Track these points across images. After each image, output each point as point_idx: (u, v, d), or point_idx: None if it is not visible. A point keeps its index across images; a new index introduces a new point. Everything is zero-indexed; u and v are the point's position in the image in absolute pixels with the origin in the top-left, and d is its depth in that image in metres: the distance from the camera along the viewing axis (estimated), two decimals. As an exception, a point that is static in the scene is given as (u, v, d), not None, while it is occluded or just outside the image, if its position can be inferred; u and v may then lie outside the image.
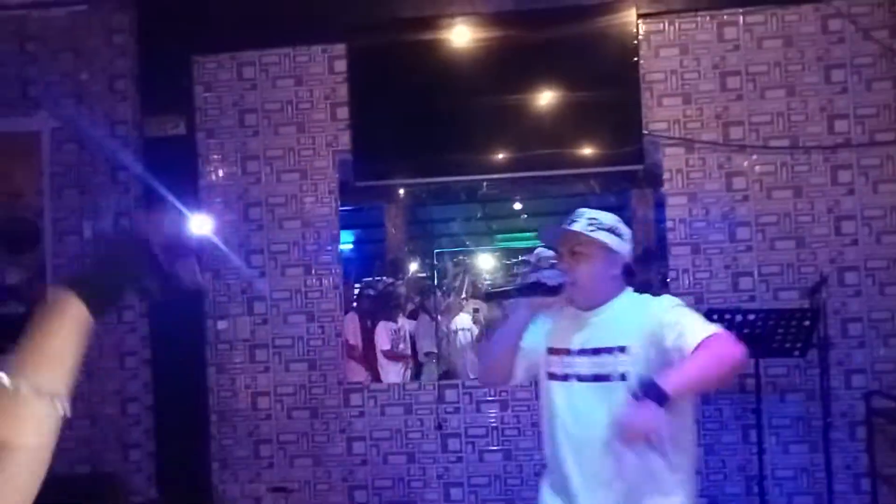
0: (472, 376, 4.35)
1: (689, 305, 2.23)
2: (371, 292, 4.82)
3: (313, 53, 4.43)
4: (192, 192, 4.39)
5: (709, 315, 3.60)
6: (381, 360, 4.72)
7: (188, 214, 3.93)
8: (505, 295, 2.24)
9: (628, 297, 2.24)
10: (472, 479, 4.21)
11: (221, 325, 4.39)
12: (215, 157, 4.48)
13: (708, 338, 1.97)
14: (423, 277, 4.85)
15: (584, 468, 2.13)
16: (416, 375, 4.65)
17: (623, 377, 2.08)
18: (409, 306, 4.87)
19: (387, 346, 4.73)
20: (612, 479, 2.09)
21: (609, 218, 2.23)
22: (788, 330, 3.65)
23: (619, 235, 2.21)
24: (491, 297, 2.20)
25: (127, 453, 4.39)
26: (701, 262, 4.14)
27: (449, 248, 4.74)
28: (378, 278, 4.78)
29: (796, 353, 3.68)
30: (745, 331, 3.60)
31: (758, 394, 3.70)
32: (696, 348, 1.95)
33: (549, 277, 2.18)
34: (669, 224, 4.18)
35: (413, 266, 4.82)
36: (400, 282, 4.64)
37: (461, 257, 4.77)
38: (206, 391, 4.35)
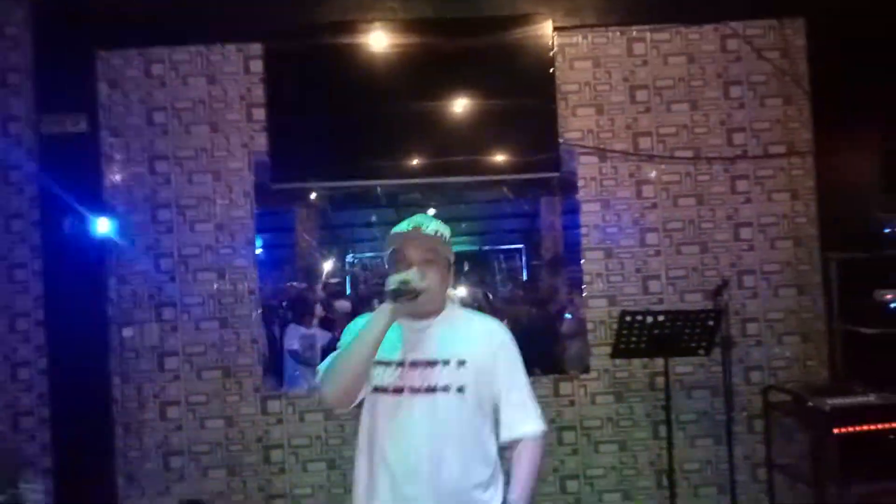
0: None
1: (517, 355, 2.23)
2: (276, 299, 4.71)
3: (228, 52, 4.33)
4: (94, 193, 4.18)
5: (622, 317, 3.79)
6: (288, 362, 4.60)
7: (89, 215, 3.69)
8: (397, 294, 1.99)
9: (453, 309, 2.23)
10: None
11: (127, 332, 4.18)
12: (120, 156, 4.28)
13: (533, 440, 2.15)
14: (335, 283, 4.78)
15: (403, 478, 2.06)
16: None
17: (460, 390, 2.07)
18: (320, 313, 4.79)
19: (295, 346, 4.61)
20: (432, 479, 2.06)
21: (445, 228, 2.22)
22: (694, 330, 3.85)
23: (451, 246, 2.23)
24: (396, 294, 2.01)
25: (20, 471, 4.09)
26: (613, 266, 4.31)
27: (363, 254, 4.70)
28: (290, 283, 4.68)
29: (701, 351, 3.89)
30: (655, 331, 3.79)
31: (667, 391, 3.88)
32: (522, 447, 2.13)
33: (414, 280, 2.03)
34: (584, 230, 4.33)
35: (326, 271, 4.74)
36: (312, 287, 4.56)
37: (376, 262, 4.74)
38: (110, 402, 4.13)
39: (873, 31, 4.12)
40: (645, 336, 3.81)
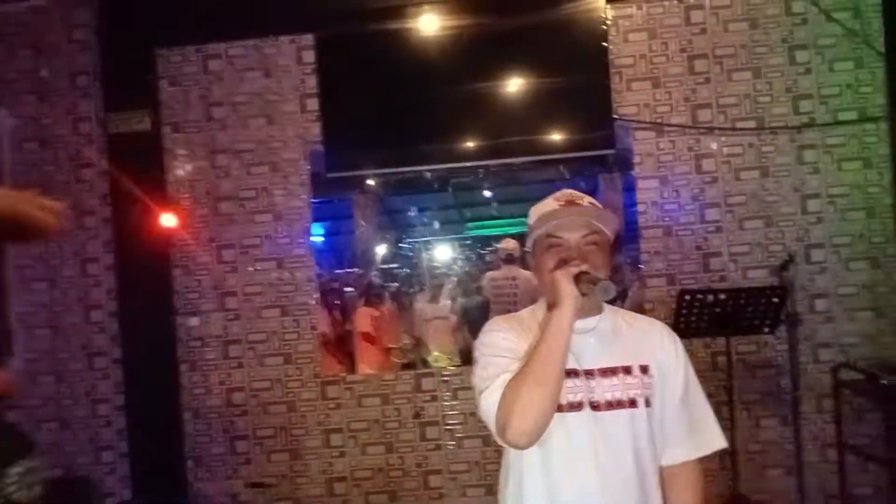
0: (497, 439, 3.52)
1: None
2: (337, 284, 4.80)
3: (281, 44, 4.39)
4: (159, 187, 4.33)
5: (681, 296, 3.68)
6: (360, 344, 4.68)
7: (155, 210, 3.81)
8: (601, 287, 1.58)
9: (609, 307, 1.82)
10: (452, 465, 4.22)
11: (192, 321, 4.34)
12: (182, 151, 4.42)
13: (697, 462, 1.79)
14: (395, 267, 4.83)
15: None
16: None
17: (648, 403, 1.71)
18: (385, 295, 4.86)
19: (367, 329, 4.68)
20: None
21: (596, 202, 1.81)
22: (758, 308, 3.70)
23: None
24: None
25: (99, 455, 4.32)
26: (672, 244, 4.18)
27: (421, 238, 4.73)
28: (350, 270, 4.76)
29: (766, 329, 3.74)
30: (717, 310, 3.66)
31: (729, 370, 3.75)
32: (687, 470, 1.77)
33: (592, 269, 1.64)
34: (641, 207, 4.21)
35: (384, 256, 4.80)
36: (375, 272, 4.62)
37: (434, 246, 4.76)
38: (179, 389, 4.29)
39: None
40: (706, 315, 3.69)
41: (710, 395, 3.99)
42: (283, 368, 4.29)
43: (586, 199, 1.77)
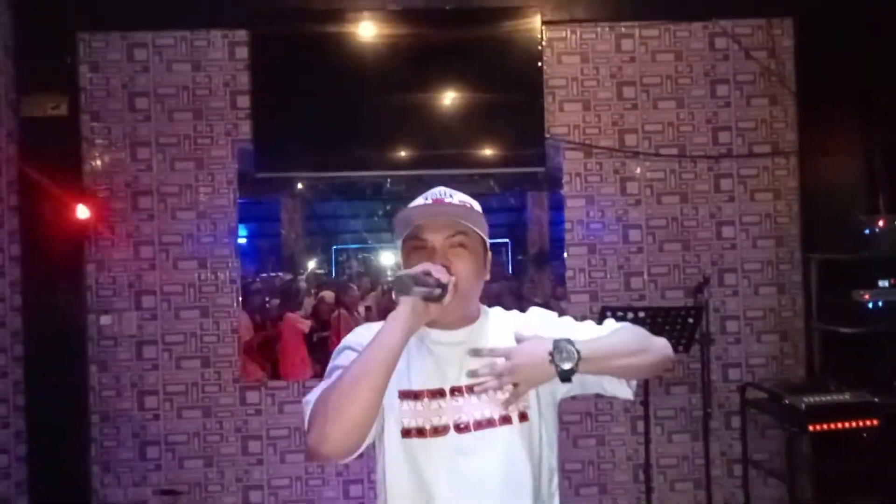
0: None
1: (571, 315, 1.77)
2: (259, 288, 4.66)
3: (212, 38, 4.27)
4: (74, 177, 4.12)
5: (603, 312, 3.80)
6: (285, 350, 4.53)
7: (68, 201, 3.63)
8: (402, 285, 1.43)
9: (490, 315, 1.68)
10: (373, 475, 4.18)
11: (105, 320, 4.14)
12: (101, 141, 4.22)
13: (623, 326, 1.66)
14: (321, 274, 4.75)
15: None
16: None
17: (523, 417, 1.56)
18: (309, 302, 4.76)
19: (307, 331, 4.53)
20: None
21: (474, 201, 1.66)
22: (674, 327, 3.86)
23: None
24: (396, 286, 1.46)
25: (-6, 459, 4.05)
26: (596, 262, 4.32)
27: (348, 245, 4.67)
28: (274, 274, 4.64)
29: (681, 348, 3.90)
30: (637, 328, 3.80)
31: (646, 387, 3.91)
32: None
33: (437, 270, 1.48)
34: (567, 225, 4.33)
35: (311, 262, 4.71)
36: (300, 277, 4.53)
37: (362, 254, 4.72)
38: (87, 390, 4.08)
39: (859, 33, 4.16)
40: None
41: (626, 410, 4.21)
42: (200, 372, 4.15)
43: (457, 197, 1.62)
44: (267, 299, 4.35)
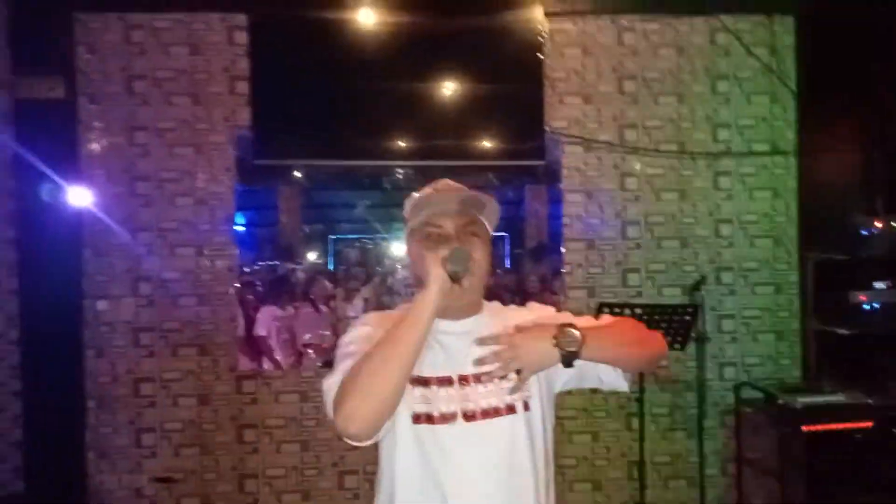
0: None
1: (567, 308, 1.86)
2: (252, 278, 4.64)
3: (211, 21, 4.21)
4: (70, 161, 4.07)
5: (600, 308, 3.81)
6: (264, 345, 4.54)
7: (65, 185, 3.58)
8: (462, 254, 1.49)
9: (491, 306, 1.73)
10: (369, 466, 4.20)
11: (102, 305, 4.12)
12: (98, 125, 4.18)
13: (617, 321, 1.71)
14: (316, 264, 4.74)
15: None
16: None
17: (527, 407, 1.60)
18: (296, 293, 4.73)
19: (262, 333, 4.56)
20: None
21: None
22: (671, 324, 3.86)
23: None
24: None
25: (-12, 443, 4.04)
26: (594, 258, 4.32)
27: (345, 235, 4.66)
28: (269, 263, 4.63)
29: (677, 346, 3.91)
30: (633, 324, 3.80)
31: (640, 384, 3.91)
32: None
33: (460, 256, 1.51)
34: (566, 220, 4.32)
35: (309, 251, 4.70)
36: (290, 268, 4.51)
37: (360, 244, 4.71)
38: (83, 376, 4.07)
39: (861, 32, 4.13)
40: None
41: (620, 407, 4.23)
42: (197, 360, 4.14)
43: (465, 189, 1.68)
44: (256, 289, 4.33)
